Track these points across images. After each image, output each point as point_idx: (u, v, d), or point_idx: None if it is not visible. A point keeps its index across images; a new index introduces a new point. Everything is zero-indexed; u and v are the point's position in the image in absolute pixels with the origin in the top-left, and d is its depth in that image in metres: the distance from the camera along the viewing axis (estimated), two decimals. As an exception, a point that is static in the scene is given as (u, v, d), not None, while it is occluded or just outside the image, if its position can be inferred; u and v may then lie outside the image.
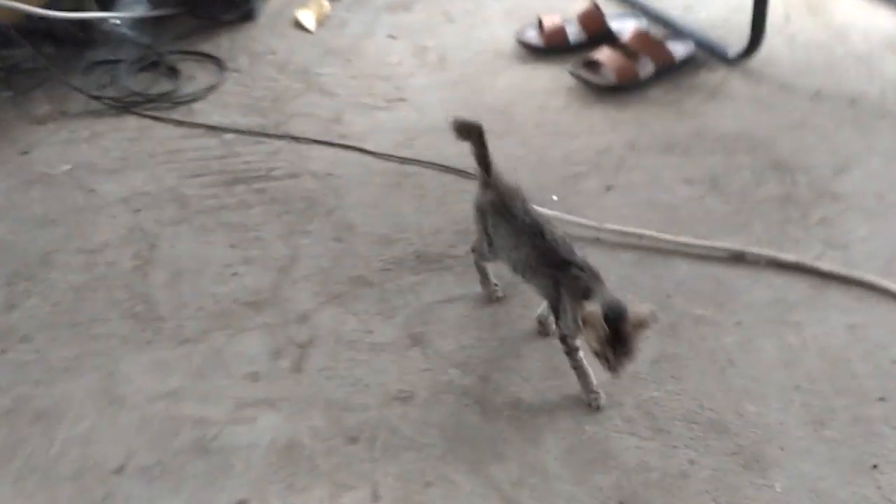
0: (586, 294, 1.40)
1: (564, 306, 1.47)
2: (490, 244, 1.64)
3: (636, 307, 1.36)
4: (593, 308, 1.34)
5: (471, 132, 1.60)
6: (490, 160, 1.61)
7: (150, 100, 2.48)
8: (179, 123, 2.39)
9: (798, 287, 1.78)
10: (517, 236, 1.55)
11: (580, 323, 1.38)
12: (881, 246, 1.86)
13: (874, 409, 1.52)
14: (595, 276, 1.45)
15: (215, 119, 2.40)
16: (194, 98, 2.49)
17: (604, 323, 1.32)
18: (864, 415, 1.50)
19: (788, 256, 1.83)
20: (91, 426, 1.55)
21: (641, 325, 1.35)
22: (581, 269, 1.45)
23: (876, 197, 2.01)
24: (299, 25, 2.80)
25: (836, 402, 1.53)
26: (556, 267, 1.48)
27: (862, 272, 1.77)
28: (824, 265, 1.80)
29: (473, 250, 1.73)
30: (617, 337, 1.33)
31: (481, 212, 1.64)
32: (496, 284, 1.77)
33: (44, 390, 1.61)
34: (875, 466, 1.41)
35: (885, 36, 2.65)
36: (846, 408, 1.52)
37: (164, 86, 2.55)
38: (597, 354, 1.38)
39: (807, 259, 1.82)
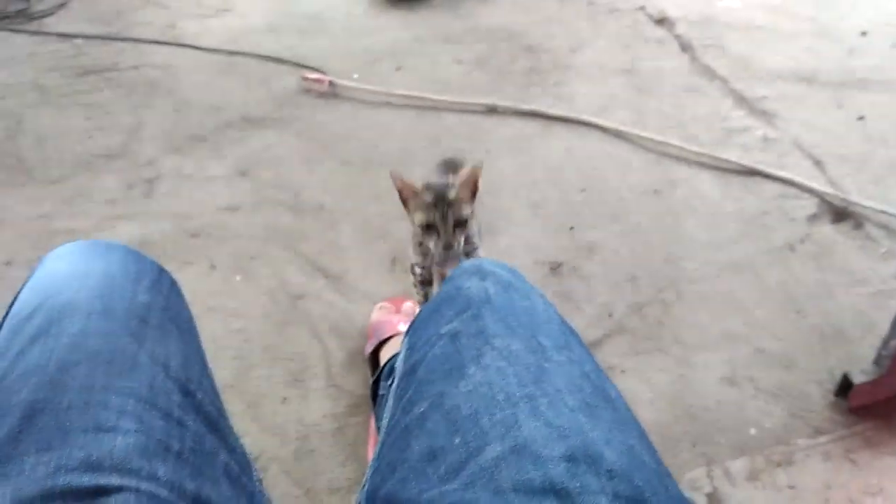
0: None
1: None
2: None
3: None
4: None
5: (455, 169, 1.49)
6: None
7: (6, 16, 2.83)
8: (34, 33, 2.76)
9: (533, 127, 2.38)
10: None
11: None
12: (596, 98, 2.50)
13: (576, 196, 2.13)
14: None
15: (65, 29, 2.78)
16: (46, 14, 2.86)
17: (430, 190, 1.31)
18: (569, 199, 2.11)
19: (528, 106, 2.43)
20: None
21: (472, 175, 1.35)
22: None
23: (598, 67, 2.65)
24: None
25: (551, 193, 2.13)
26: None
27: (578, 114, 2.39)
28: (553, 111, 2.41)
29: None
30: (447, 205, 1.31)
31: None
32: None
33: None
34: (572, 228, 2.02)
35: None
36: (557, 197, 2.12)
37: (17, 4, 2.90)
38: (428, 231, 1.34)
39: (541, 108, 2.42)
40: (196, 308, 1.72)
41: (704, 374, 1.64)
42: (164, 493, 0.74)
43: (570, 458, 0.72)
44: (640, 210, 2.06)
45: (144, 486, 0.73)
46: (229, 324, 1.73)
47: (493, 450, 0.71)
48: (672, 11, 2.95)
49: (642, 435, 0.86)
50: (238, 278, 1.86)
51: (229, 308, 1.78)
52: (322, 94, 2.47)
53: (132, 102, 2.44)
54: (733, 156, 2.22)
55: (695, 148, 2.24)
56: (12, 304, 0.90)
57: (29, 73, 2.55)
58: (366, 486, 0.80)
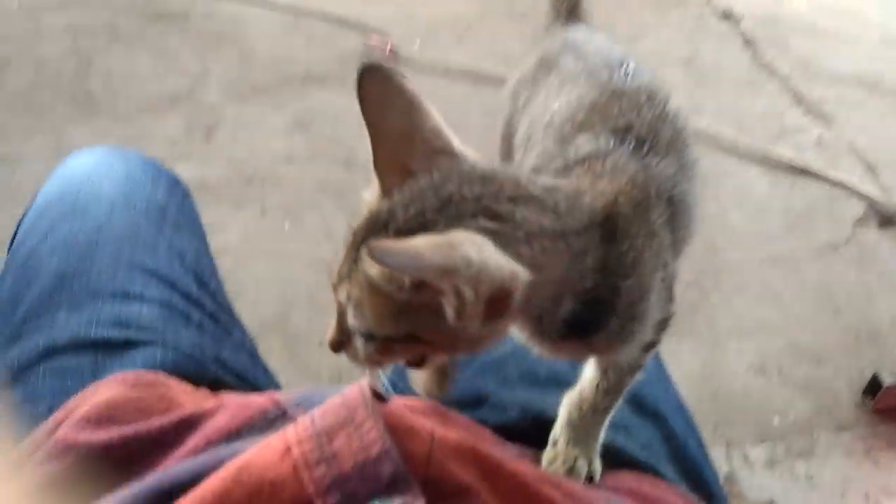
0: None
1: None
2: None
3: None
4: None
5: None
6: None
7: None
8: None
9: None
10: None
11: None
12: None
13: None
14: None
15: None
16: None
17: None
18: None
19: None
20: (44, 170, 2.03)
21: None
22: None
23: (657, 55, 2.65)
24: None
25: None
26: None
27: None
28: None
29: None
30: None
31: None
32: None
33: (3, 144, 2.09)
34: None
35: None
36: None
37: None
38: None
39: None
40: (244, 250, 1.78)
41: (734, 361, 1.66)
42: (187, 350, 0.79)
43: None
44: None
45: (170, 343, 0.78)
46: (274, 267, 1.79)
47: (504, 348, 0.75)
48: (738, 7, 2.93)
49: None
50: (287, 225, 1.92)
51: (276, 252, 1.84)
52: (383, 59, 2.51)
53: (200, 50, 2.50)
54: (786, 153, 2.21)
55: (748, 141, 2.24)
56: (37, 194, 0.96)
57: (104, 14, 2.63)
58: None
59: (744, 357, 1.67)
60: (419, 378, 0.81)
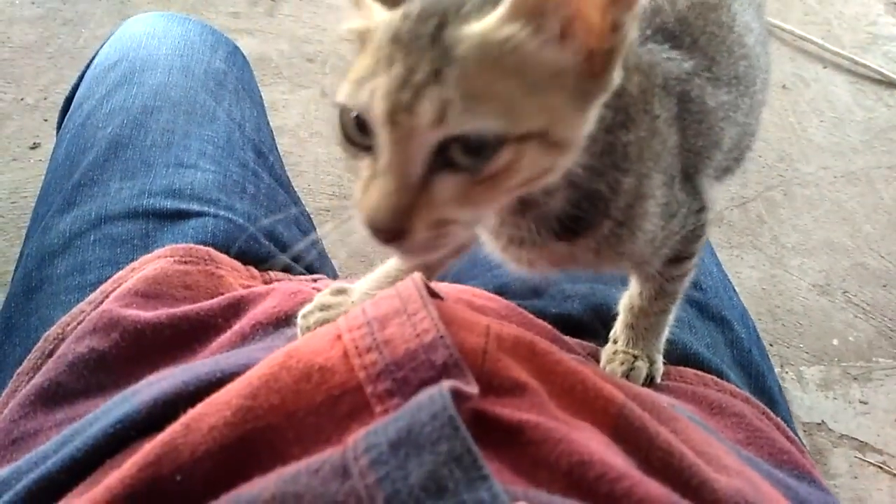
0: None
1: None
2: None
3: None
4: None
5: None
6: None
7: None
8: None
9: None
10: None
11: None
12: None
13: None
14: None
15: None
16: None
17: None
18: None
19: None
20: (107, 32, 2.00)
21: None
22: None
23: None
24: None
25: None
26: None
27: None
28: None
29: None
30: None
31: None
32: None
33: (70, 7, 2.06)
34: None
35: None
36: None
37: None
38: None
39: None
40: (303, 131, 1.75)
41: (797, 279, 1.61)
42: (240, 220, 0.78)
43: None
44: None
45: (223, 213, 0.77)
46: (332, 151, 1.77)
47: None
48: None
49: (711, 251, 0.90)
50: (347, 109, 1.88)
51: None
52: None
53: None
54: (874, 63, 2.08)
55: (835, 48, 2.10)
56: (93, 58, 0.94)
57: None
58: None
59: (807, 275, 1.61)
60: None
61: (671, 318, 0.71)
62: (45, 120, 1.76)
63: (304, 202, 1.00)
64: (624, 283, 0.74)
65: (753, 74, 0.68)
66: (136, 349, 0.61)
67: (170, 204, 0.76)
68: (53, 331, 0.64)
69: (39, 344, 0.63)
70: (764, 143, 1.86)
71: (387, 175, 0.45)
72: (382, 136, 0.45)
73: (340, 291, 0.67)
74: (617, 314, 0.73)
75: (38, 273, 0.71)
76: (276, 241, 0.81)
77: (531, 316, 0.69)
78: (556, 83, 0.46)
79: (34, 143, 1.71)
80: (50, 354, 0.62)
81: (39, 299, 0.69)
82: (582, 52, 0.46)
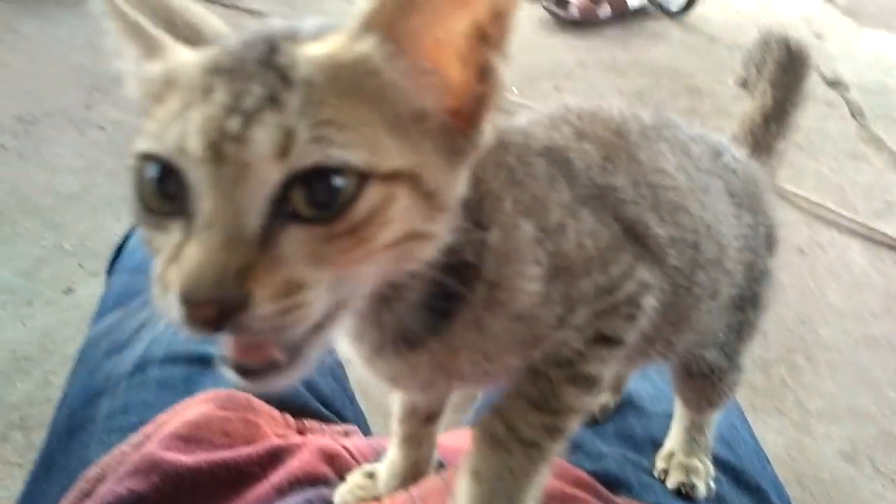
0: None
1: None
2: None
3: None
4: None
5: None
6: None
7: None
8: None
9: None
10: None
11: None
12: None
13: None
14: None
15: None
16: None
17: None
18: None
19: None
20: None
21: None
22: None
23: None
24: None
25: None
26: None
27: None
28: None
29: None
30: None
31: None
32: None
33: (114, 160, 2.16)
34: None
35: (803, 11, 3.25)
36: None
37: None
38: None
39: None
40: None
41: (823, 445, 1.58)
42: None
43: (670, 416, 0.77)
44: (782, 267, 2.01)
45: None
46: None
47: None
48: (847, 76, 2.86)
49: (742, 418, 0.89)
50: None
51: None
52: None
53: None
54: (890, 230, 2.13)
55: (850, 215, 2.16)
56: None
57: None
58: None
59: (833, 442, 1.59)
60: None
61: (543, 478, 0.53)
62: (80, 265, 1.79)
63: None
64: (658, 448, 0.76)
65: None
66: (175, 493, 0.61)
67: (211, 348, 0.78)
68: (93, 471, 0.65)
69: (79, 484, 0.64)
70: (784, 305, 1.88)
71: (210, 229, 0.37)
72: (202, 181, 0.37)
73: (370, 475, 0.69)
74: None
75: (81, 412, 0.73)
76: (312, 389, 0.82)
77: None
78: (422, 127, 0.41)
79: (68, 288, 1.74)
80: (88, 494, 0.62)
81: (81, 439, 0.70)
82: (447, 98, 0.42)
